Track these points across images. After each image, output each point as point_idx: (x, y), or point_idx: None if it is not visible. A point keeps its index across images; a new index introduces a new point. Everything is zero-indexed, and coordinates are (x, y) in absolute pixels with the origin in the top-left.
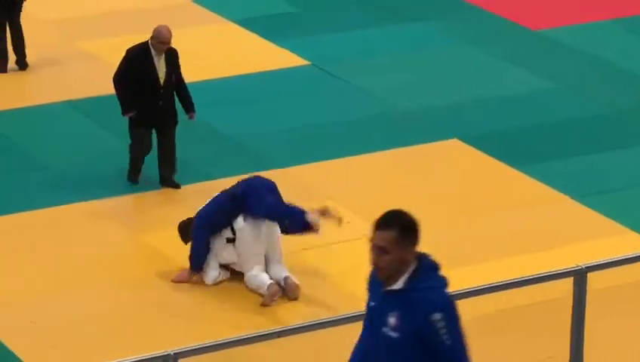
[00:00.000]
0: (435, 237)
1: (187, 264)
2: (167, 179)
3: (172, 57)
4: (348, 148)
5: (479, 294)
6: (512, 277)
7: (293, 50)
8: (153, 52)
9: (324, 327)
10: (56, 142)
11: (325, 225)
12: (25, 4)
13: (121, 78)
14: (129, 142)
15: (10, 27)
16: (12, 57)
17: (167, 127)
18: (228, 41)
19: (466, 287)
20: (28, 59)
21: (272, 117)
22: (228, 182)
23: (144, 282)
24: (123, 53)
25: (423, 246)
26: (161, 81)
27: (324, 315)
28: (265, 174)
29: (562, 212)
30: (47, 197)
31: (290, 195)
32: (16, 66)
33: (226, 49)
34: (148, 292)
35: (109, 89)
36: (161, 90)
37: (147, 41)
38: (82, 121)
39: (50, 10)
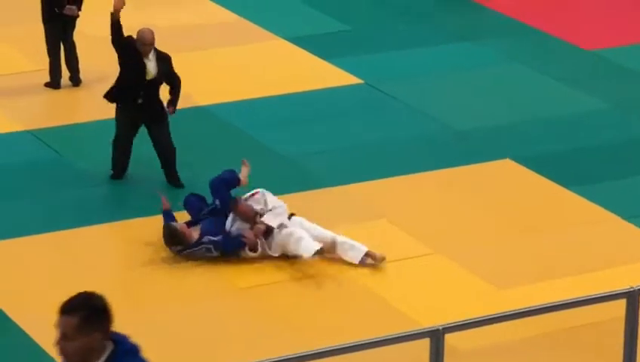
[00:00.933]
0: (486, 257)
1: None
2: (171, 179)
3: (164, 62)
4: (401, 167)
5: (530, 315)
6: (563, 298)
7: (346, 68)
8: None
9: (377, 346)
10: (108, 158)
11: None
12: (78, 20)
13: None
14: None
15: (63, 44)
16: (66, 74)
17: (152, 121)
18: (281, 59)
19: (517, 308)
20: (81, 76)
21: (325, 135)
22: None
23: (198, 298)
24: (177, 70)
25: (473, 265)
26: (148, 76)
27: (374, 334)
28: (317, 193)
29: (614, 233)
30: (98, 214)
31: (342, 213)
32: (69, 82)
33: (279, 67)
34: (204, 306)
35: None
36: (144, 83)
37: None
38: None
39: (103, 27)
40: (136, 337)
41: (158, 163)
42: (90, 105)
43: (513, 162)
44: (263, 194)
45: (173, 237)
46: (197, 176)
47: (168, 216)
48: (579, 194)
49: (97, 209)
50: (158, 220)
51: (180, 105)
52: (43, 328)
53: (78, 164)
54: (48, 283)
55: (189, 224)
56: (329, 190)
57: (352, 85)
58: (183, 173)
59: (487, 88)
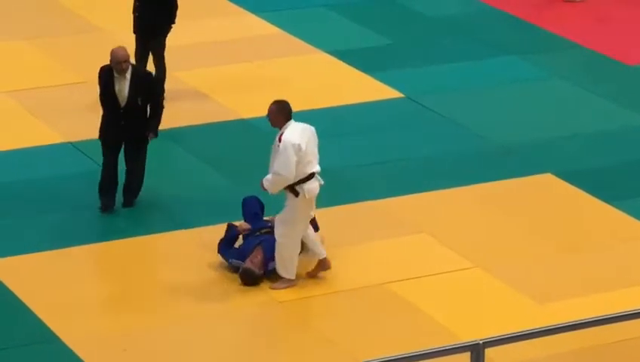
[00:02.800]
0: (527, 272)
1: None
2: (126, 204)
3: (141, 82)
4: (441, 181)
5: (571, 330)
6: (603, 313)
7: (387, 82)
8: (115, 74)
9: (418, 360)
10: (150, 171)
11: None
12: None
13: (100, 98)
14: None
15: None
16: None
17: (131, 148)
18: (322, 73)
19: (557, 323)
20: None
21: (366, 149)
22: (321, 213)
23: (237, 312)
24: (219, 84)
25: (513, 280)
26: (122, 102)
27: (414, 347)
28: (357, 206)
29: None
30: (140, 226)
31: (382, 227)
32: None
33: (321, 80)
34: (244, 321)
35: (205, 119)
36: (121, 111)
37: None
38: (176, 151)
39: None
40: (176, 350)
41: (203, 176)
42: None
43: (555, 177)
44: None
45: (254, 281)
46: (239, 188)
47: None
48: (620, 210)
49: (142, 221)
50: (201, 232)
51: (222, 117)
52: (81, 339)
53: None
54: (92, 295)
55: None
56: (369, 203)
57: (393, 99)
58: (226, 184)
59: (529, 103)
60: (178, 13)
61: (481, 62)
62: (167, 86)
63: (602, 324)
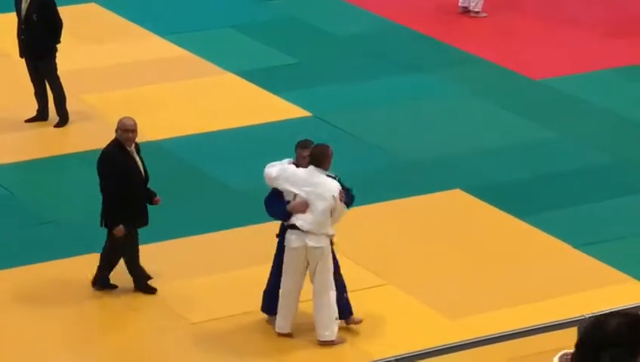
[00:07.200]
0: (438, 288)
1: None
2: (142, 286)
3: (139, 150)
4: None
5: (481, 345)
6: (513, 328)
7: (294, 101)
8: (127, 147)
9: None
10: (61, 194)
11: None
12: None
13: (111, 185)
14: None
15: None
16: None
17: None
18: (229, 93)
19: (468, 338)
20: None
21: None
22: (229, 234)
23: (149, 334)
24: (125, 106)
25: (425, 296)
26: (143, 173)
27: None
28: (266, 226)
29: (565, 261)
30: (52, 251)
31: None
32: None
33: (227, 101)
34: (156, 344)
35: None
36: (143, 183)
37: (116, 138)
38: (86, 173)
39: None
40: None
41: None
42: (43, 142)
43: (463, 192)
44: None
45: None
46: (150, 212)
47: None
48: (529, 223)
49: (53, 245)
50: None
51: None
52: None
53: (32, 201)
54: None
55: None
56: (278, 224)
57: (300, 118)
58: None
59: (436, 119)
60: (86, 35)
61: (389, 80)
62: (72, 108)
63: (513, 338)
